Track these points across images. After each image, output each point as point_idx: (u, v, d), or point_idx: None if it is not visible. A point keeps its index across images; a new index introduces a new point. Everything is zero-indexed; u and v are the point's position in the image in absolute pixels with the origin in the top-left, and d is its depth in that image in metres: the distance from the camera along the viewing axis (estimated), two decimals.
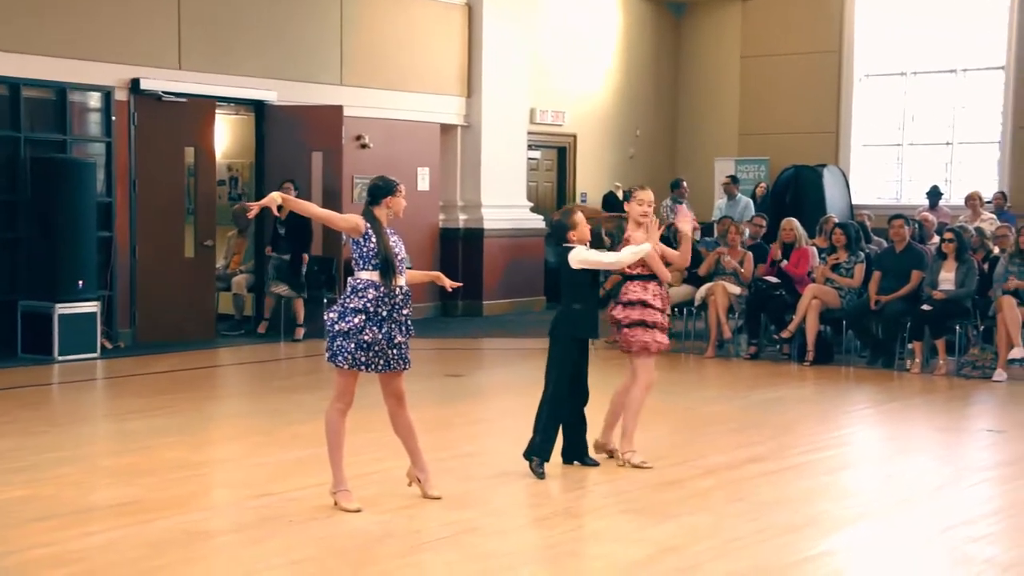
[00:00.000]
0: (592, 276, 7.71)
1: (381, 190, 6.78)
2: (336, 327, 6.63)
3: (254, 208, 6.73)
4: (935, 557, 6.23)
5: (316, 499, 6.94)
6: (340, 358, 6.63)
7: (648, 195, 8.13)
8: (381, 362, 6.67)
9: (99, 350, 12.67)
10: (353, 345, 6.60)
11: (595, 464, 7.86)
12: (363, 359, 6.62)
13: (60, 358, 12.26)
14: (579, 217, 7.73)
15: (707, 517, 6.81)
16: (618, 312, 7.98)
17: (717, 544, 6.24)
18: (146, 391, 11.00)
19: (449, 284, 7.23)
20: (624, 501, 7.15)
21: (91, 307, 12.64)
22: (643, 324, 7.89)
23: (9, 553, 5.93)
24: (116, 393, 11.24)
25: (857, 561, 6.17)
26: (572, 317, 7.64)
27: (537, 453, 7.55)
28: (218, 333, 14.53)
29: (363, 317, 6.60)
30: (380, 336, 6.61)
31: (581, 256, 7.56)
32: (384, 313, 6.64)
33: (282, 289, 14.21)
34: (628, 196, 8.21)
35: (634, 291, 7.94)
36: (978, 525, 6.84)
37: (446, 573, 5.71)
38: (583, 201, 19.91)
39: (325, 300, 13.83)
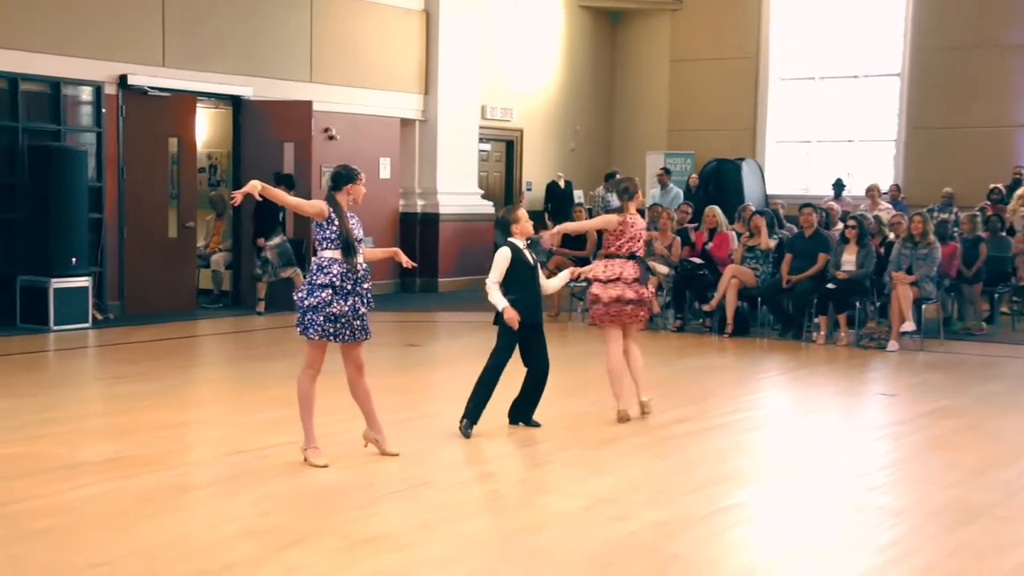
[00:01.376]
0: (524, 268, 7.61)
1: (343, 177, 6.73)
2: (306, 303, 6.60)
3: (237, 196, 6.63)
4: (837, 505, 6.29)
5: (285, 456, 6.91)
6: (311, 330, 6.60)
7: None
8: (347, 332, 6.65)
9: (90, 321, 12.55)
10: (322, 318, 6.56)
11: (536, 425, 7.84)
12: (331, 330, 6.59)
13: (55, 328, 12.13)
14: (520, 213, 7.74)
15: (638, 471, 6.84)
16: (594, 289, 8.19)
17: (646, 495, 6.26)
18: (133, 358, 10.90)
19: (406, 261, 7.20)
20: (564, 457, 7.17)
21: (83, 282, 12.52)
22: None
23: (7, 504, 5.86)
24: (105, 360, 11.12)
25: (769, 509, 6.22)
26: (514, 304, 7.57)
27: (466, 415, 7.53)
28: (198, 306, 14.44)
29: (330, 292, 6.57)
30: (346, 308, 6.59)
31: (494, 265, 7.62)
32: (349, 287, 6.61)
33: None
34: (629, 192, 8.25)
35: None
36: (874, 477, 6.92)
37: (402, 522, 5.69)
38: (528, 189, 19.90)
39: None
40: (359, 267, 6.66)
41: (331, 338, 6.62)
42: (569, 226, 9.09)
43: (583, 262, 13.93)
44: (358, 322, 6.67)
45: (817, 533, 5.75)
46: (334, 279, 6.58)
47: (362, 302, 6.68)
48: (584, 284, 13.89)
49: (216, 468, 6.80)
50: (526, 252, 7.67)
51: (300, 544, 5.29)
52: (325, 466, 6.65)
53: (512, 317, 7.40)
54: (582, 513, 5.90)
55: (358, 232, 6.72)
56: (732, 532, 5.77)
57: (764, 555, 5.36)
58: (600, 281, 8.15)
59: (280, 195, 6.83)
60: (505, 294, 7.60)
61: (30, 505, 5.86)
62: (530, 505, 6.21)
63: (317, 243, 6.69)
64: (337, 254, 6.61)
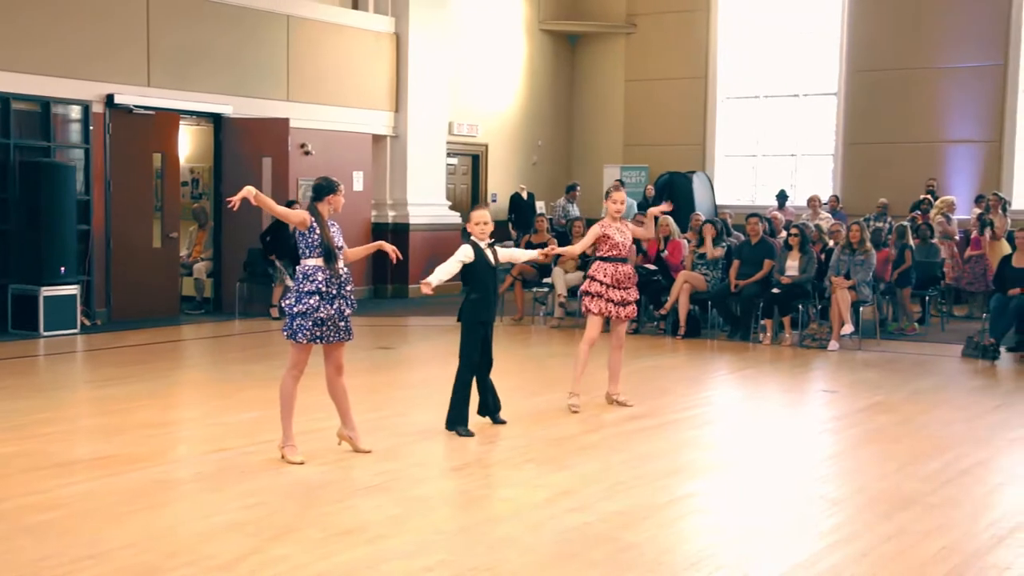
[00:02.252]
0: (484, 268, 7.57)
1: (324, 189, 6.72)
2: (295, 309, 6.58)
3: (235, 201, 6.57)
4: (783, 495, 6.34)
5: (266, 453, 6.88)
6: (300, 335, 6.58)
7: (622, 195, 8.56)
8: (332, 334, 6.66)
9: (79, 327, 12.44)
10: (311, 323, 6.56)
11: (503, 422, 7.85)
12: (319, 333, 6.60)
13: (45, 333, 12.03)
14: (474, 215, 7.66)
15: (596, 465, 6.86)
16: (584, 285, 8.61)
17: (604, 488, 6.29)
18: (120, 361, 10.81)
19: (391, 250, 6.95)
20: (526, 453, 7.18)
21: (72, 290, 12.41)
22: (588, 293, 8.45)
23: (1, 500, 5.81)
24: (94, 364, 11.02)
25: (719, 500, 6.26)
26: (471, 304, 7.59)
27: (455, 423, 7.54)
28: (181, 312, 14.34)
29: (317, 298, 6.57)
30: (333, 312, 6.60)
31: (454, 255, 7.61)
32: (334, 291, 6.62)
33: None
34: (607, 194, 8.54)
35: (591, 268, 8.50)
36: (817, 468, 6.99)
37: (376, 514, 5.69)
38: (494, 201, 19.91)
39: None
40: (341, 271, 6.66)
41: (318, 340, 6.62)
42: (568, 250, 9.15)
43: (545, 269, 14.01)
44: (343, 323, 6.69)
45: (765, 521, 5.80)
46: (320, 285, 6.58)
47: (346, 304, 6.69)
48: (548, 290, 13.99)
49: (201, 465, 6.76)
50: (487, 252, 7.59)
51: (281, 536, 5.28)
52: (301, 463, 6.63)
53: (426, 285, 7.19)
54: (544, 505, 5.91)
55: (338, 239, 6.73)
56: (685, 521, 5.81)
57: (715, 542, 5.40)
58: (597, 281, 8.40)
59: (270, 203, 6.78)
60: (468, 293, 7.59)
61: (24, 501, 5.81)
62: (495, 498, 6.22)
63: (300, 251, 6.68)
64: (320, 261, 6.61)
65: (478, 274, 7.58)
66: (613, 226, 8.47)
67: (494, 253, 7.66)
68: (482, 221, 7.62)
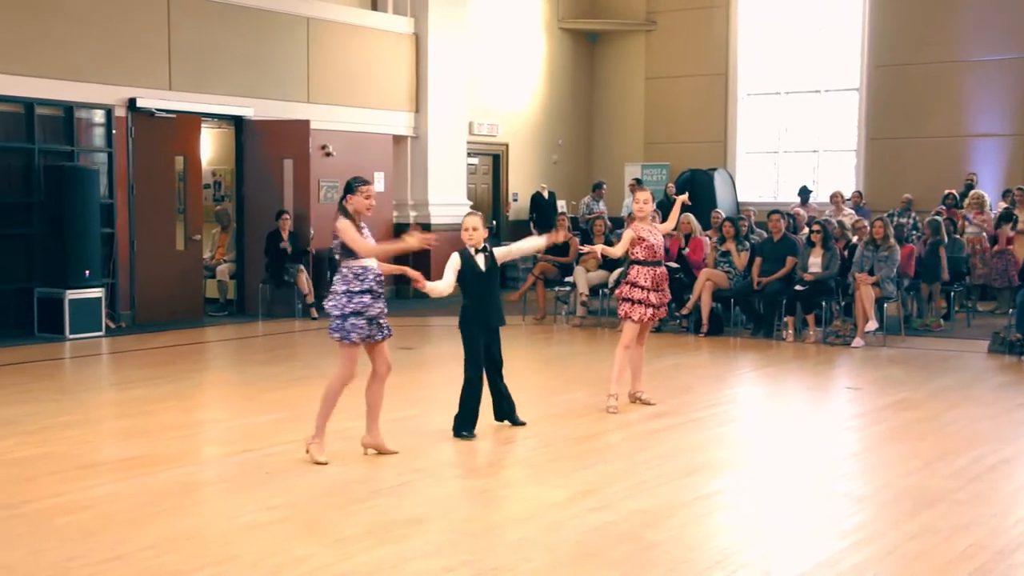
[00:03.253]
0: (472, 276, 7.46)
1: (345, 189, 6.72)
2: (348, 308, 6.59)
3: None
4: (806, 492, 6.31)
5: (289, 454, 6.90)
6: (354, 335, 6.60)
7: (644, 194, 8.56)
8: (380, 333, 6.73)
9: (103, 329, 12.53)
10: (364, 321, 6.60)
11: (522, 423, 7.82)
12: (373, 332, 6.67)
13: (70, 336, 12.12)
14: (467, 222, 7.50)
15: (619, 464, 6.84)
16: (618, 289, 8.64)
17: (627, 486, 6.26)
18: (144, 364, 10.87)
19: (417, 277, 7.03)
20: (548, 452, 7.16)
21: (96, 293, 12.50)
22: (629, 299, 8.39)
23: (27, 502, 5.86)
24: (118, 366, 11.08)
25: (742, 498, 6.23)
26: (464, 311, 7.53)
27: (461, 427, 7.46)
28: (205, 314, 14.41)
29: (369, 296, 6.62)
30: (381, 309, 6.69)
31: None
32: (380, 290, 6.70)
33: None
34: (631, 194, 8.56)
35: (630, 273, 8.44)
36: (841, 465, 6.95)
37: (398, 514, 5.69)
38: (514, 200, 19.92)
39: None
40: (379, 271, 6.74)
41: (369, 339, 6.67)
42: (609, 250, 8.89)
43: (567, 268, 14.00)
44: (384, 320, 6.76)
45: (788, 518, 5.77)
46: (371, 284, 6.63)
47: (384, 302, 6.77)
48: (569, 288, 13.97)
49: (224, 466, 6.79)
50: (477, 259, 7.46)
51: (303, 537, 5.29)
52: (325, 463, 6.64)
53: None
54: (566, 504, 5.89)
55: (368, 240, 6.71)
56: (709, 519, 5.78)
57: (738, 540, 5.37)
58: (640, 287, 8.38)
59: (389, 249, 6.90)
60: (464, 300, 7.53)
61: (50, 503, 5.85)
62: (516, 498, 6.21)
63: (343, 253, 6.64)
64: (369, 262, 6.63)
65: (467, 282, 7.48)
66: (644, 228, 8.42)
67: (488, 258, 7.50)
68: (470, 227, 7.45)
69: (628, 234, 8.47)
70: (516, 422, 7.81)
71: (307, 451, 6.72)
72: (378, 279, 6.68)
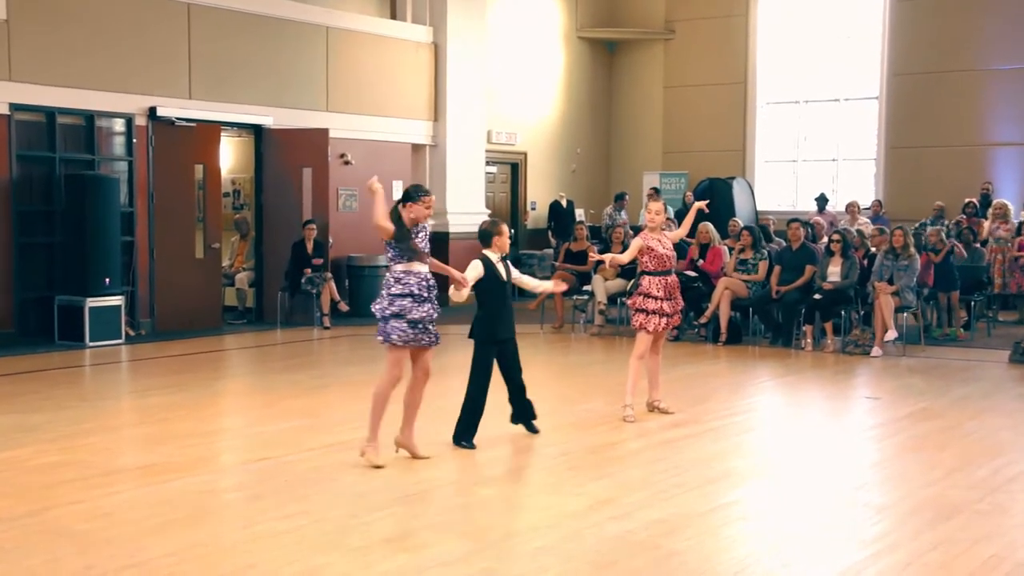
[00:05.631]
0: (494, 284, 7.41)
1: (405, 195, 6.78)
2: (388, 311, 6.66)
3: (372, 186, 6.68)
4: (825, 502, 6.27)
5: (308, 462, 6.92)
6: (395, 335, 6.66)
7: (657, 205, 8.59)
8: (424, 337, 6.74)
9: (123, 337, 12.57)
10: (405, 324, 6.65)
11: (535, 431, 7.76)
12: (414, 335, 6.68)
13: (90, 344, 12.16)
14: (503, 228, 7.48)
15: (637, 473, 6.83)
16: (630, 299, 8.60)
17: (646, 496, 6.24)
18: (163, 371, 10.91)
19: (461, 279, 7.16)
20: (566, 461, 7.15)
21: (116, 300, 12.55)
22: (643, 310, 8.35)
23: (47, 509, 5.88)
24: (138, 373, 11.13)
25: (762, 507, 6.20)
26: (480, 321, 7.49)
27: (461, 437, 7.40)
28: (224, 322, 14.44)
29: (410, 299, 6.67)
30: (424, 314, 6.68)
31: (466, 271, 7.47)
32: (425, 294, 6.72)
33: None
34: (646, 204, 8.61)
35: (641, 283, 8.41)
36: (860, 475, 6.91)
37: (417, 523, 5.69)
38: (533, 209, 19.92)
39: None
40: (428, 275, 6.76)
41: (411, 343, 6.69)
42: (618, 258, 8.89)
43: (585, 277, 13.99)
44: (432, 326, 6.77)
45: (807, 528, 5.74)
46: (412, 288, 6.68)
47: (434, 307, 6.78)
48: (587, 297, 13.95)
49: (243, 474, 6.80)
50: (499, 267, 7.45)
51: (322, 545, 5.29)
52: (381, 466, 6.69)
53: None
54: (585, 513, 5.88)
55: (425, 244, 6.79)
56: (728, 528, 5.75)
57: (758, 549, 5.35)
58: (653, 297, 8.36)
59: (379, 203, 6.78)
60: (478, 308, 7.51)
61: (68, 510, 5.87)
62: (535, 506, 6.20)
63: (390, 256, 6.74)
64: (411, 265, 6.69)
65: (489, 289, 7.43)
66: (653, 237, 8.42)
67: (507, 268, 7.51)
68: (506, 233, 7.50)
69: (637, 242, 8.46)
70: (531, 430, 7.78)
71: (362, 454, 6.77)
72: (424, 283, 6.72)
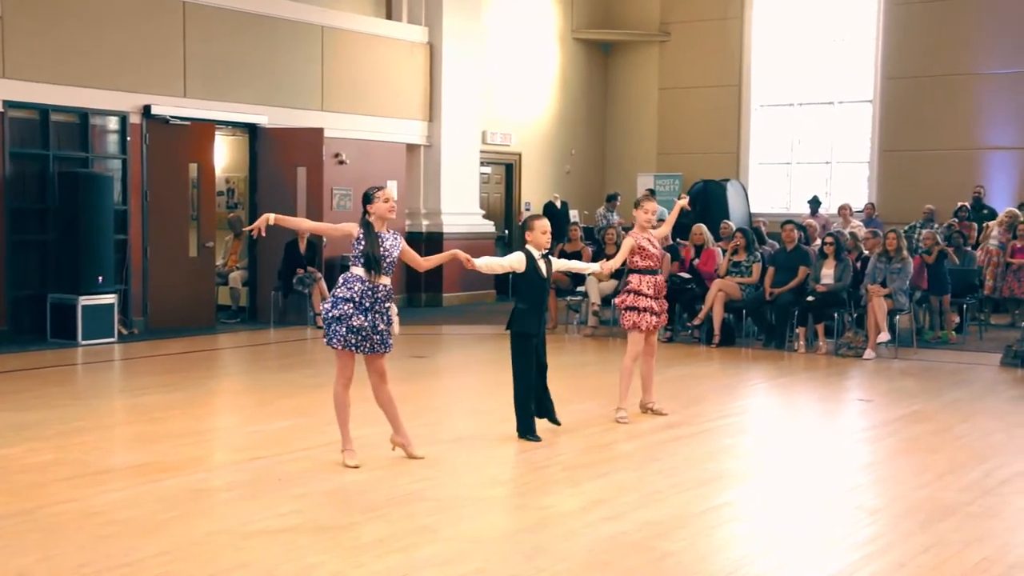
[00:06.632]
0: (535, 279, 7.50)
1: (363, 199, 6.76)
2: (331, 313, 6.64)
3: (254, 228, 6.65)
4: (818, 504, 6.29)
5: (301, 461, 6.91)
6: (335, 340, 6.64)
7: (652, 205, 8.53)
8: (367, 345, 6.67)
9: (116, 336, 12.55)
10: (344, 329, 6.60)
11: (557, 423, 7.80)
12: (353, 341, 6.63)
13: (83, 342, 12.14)
14: (538, 224, 7.53)
15: (631, 474, 6.84)
16: (618, 299, 8.58)
17: (639, 496, 6.26)
18: (156, 370, 10.90)
19: (465, 259, 7.10)
20: (561, 462, 7.16)
21: (109, 299, 12.53)
22: (635, 308, 8.34)
23: (41, 507, 5.87)
24: (131, 372, 11.12)
25: (755, 509, 6.21)
26: (520, 315, 7.55)
27: (523, 431, 7.57)
28: (218, 321, 14.43)
29: (351, 305, 6.60)
30: (366, 323, 6.60)
31: (508, 257, 7.56)
32: (367, 304, 6.62)
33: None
34: (637, 204, 8.56)
35: (631, 282, 8.39)
36: (852, 477, 6.93)
37: (410, 522, 5.69)
38: (527, 210, 19.92)
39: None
40: (381, 286, 6.67)
41: (352, 348, 6.64)
42: (609, 266, 8.74)
43: (579, 278, 13.99)
44: (377, 336, 6.67)
45: (800, 530, 5.75)
46: (355, 295, 6.61)
47: (382, 319, 6.67)
48: (581, 297, 13.96)
49: (236, 473, 6.79)
50: (540, 263, 7.52)
51: (315, 544, 5.29)
52: (357, 467, 6.71)
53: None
54: (579, 514, 5.89)
55: (392, 251, 6.71)
56: (721, 530, 5.76)
57: (751, 551, 5.36)
58: (644, 295, 8.36)
59: (299, 222, 6.84)
60: (516, 303, 7.56)
61: (62, 508, 5.86)
62: (529, 507, 6.20)
63: (350, 259, 6.73)
64: (361, 271, 6.63)
65: (529, 285, 7.51)
66: (643, 236, 8.43)
67: (548, 264, 7.60)
68: (548, 230, 7.55)
69: (628, 242, 8.44)
70: (554, 421, 7.81)
71: (343, 461, 6.80)
72: (367, 293, 6.61)
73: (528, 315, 7.52)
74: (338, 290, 6.67)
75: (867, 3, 19.21)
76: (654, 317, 8.40)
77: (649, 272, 8.42)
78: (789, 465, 7.28)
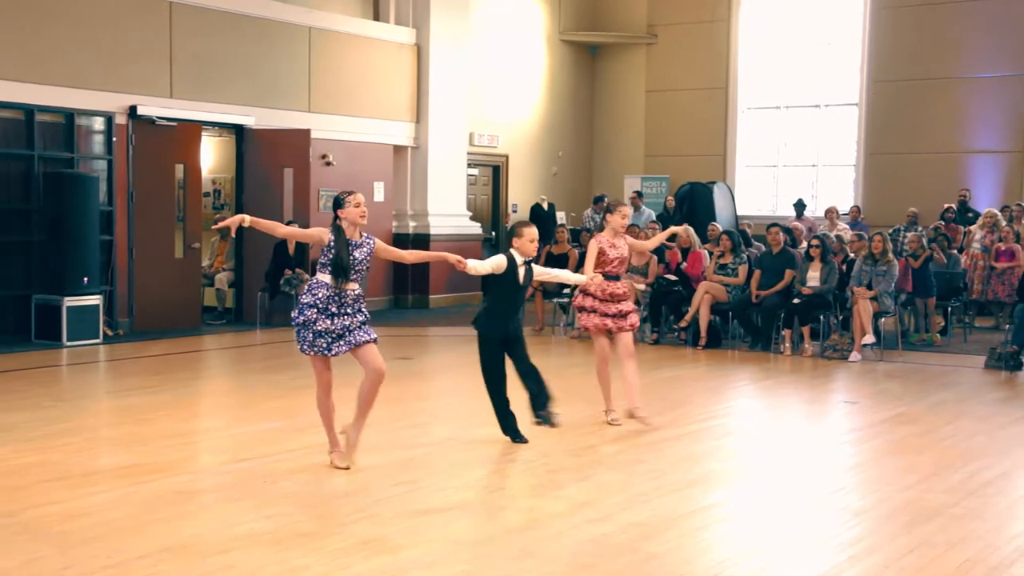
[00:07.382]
0: (509, 284, 7.45)
1: (334, 203, 6.73)
2: (298, 320, 6.64)
3: (227, 225, 6.65)
4: (803, 506, 6.31)
5: (286, 463, 6.91)
6: (304, 346, 6.63)
7: (626, 210, 8.47)
8: (341, 344, 6.59)
9: (101, 337, 12.52)
10: (311, 335, 6.57)
11: (554, 426, 7.65)
12: (323, 344, 6.59)
13: (68, 344, 12.10)
14: (526, 231, 7.47)
15: (616, 476, 6.84)
16: (574, 300, 8.53)
17: (624, 498, 6.27)
18: (142, 372, 10.87)
19: (456, 261, 7.01)
20: (546, 464, 7.16)
21: (94, 300, 12.49)
22: (583, 309, 8.32)
23: (25, 509, 5.85)
24: (116, 373, 11.08)
25: (741, 510, 6.23)
26: (485, 315, 7.53)
27: (506, 432, 7.59)
28: (203, 322, 14.40)
29: (315, 311, 6.57)
30: (332, 327, 6.55)
31: (488, 259, 7.55)
32: (334, 309, 6.57)
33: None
34: (611, 208, 8.41)
35: (586, 282, 8.22)
36: (837, 479, 6.95)
37: (395, 524, 5.69)
38: (514, 211, 19.95)
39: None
40: (349, 292, 6.60)
41: (326, 352, 6.61)
42: (590, 273, 8.41)
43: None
44: (349, 336, 6.58)
45: (785, 532, 5.77)
46: (319, 301, 6.56)
47: (351, 320, 6.59)
48: (567, 298, 13.97)
49: (221, 475, 6.78)
50: (520, 270, 7.47)
51: (300, 546, 5.29)
52: (347, 468, 6.70)
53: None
54: (564, 516, 5.90)
55: (362, 261, 6.64)
56: (706, 532, 5.78)
57: (736, 552, 5.37)
58: (591, 296, 8.28)
59: (271, 226, 6.82)
60: (486, 303, 7.55)
61: (47, 511, 5.84)
62: (514, 509, 6.20)
63: (319, 265, 6.69)
64: (328, 278, 6.58)
65: (502, 288, 7.48)
66: (607, 239, 8.31)
67: (528, 272, 7.53)
68: (536, 239, 7.51)
69: (593, 245, 8.30)
70: (551, 421, 7.64)
71: (331, 462, 6.79)
72: (332, 299, 6.54)
73: (493, 317, 7.47)
74: (303, 296, 6.64)
75: (853, 7, 19.30)
76: (606, 319, 8.22)
77: (608, 277, 8.27)
78: (775, 467, 7.30)
